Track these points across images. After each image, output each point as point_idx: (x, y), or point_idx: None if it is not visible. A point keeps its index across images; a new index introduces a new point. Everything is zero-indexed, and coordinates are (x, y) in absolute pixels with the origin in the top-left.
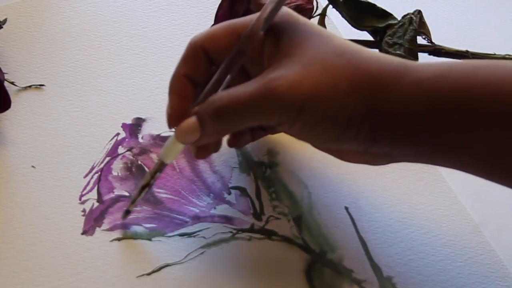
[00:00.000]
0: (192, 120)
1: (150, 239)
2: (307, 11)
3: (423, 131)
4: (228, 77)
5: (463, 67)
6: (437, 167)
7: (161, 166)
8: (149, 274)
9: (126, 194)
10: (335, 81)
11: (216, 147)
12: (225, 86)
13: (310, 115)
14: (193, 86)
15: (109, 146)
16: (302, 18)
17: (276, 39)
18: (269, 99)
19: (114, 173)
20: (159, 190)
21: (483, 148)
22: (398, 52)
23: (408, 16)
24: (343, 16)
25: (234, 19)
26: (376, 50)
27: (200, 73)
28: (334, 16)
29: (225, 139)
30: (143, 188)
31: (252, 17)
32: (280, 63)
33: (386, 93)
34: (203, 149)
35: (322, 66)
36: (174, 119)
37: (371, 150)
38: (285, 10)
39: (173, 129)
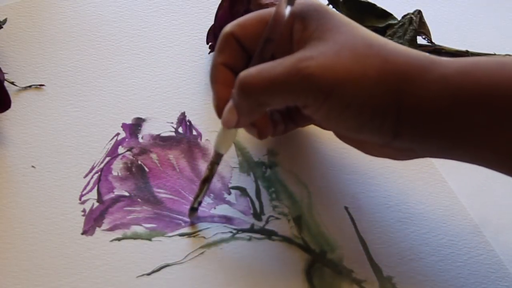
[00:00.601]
0: (229, 103)
1: (150, 239)
2: None
3: (446, 126)
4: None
5: (489, 63)
6: (437, 167)
7: (217, 157)
8: (149, 274)
9: (126, 194)
10: (365, 70)
11: (276, 129)
12: None
13: (337, 100)
14: (233, 74)
15: (109, 146)
16: (332, 9)
17: (305, 25)
18: (298, 79)
19: (114, 173)
20: (159, 190)
21: (506, 143)
22: None
23: (408, 16)
24: None
25: (263, 9)
26: None
27: (236, 60)
28: None
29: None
30: (203, 182)
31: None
32: (310, 45)
33: (411, 87)
34: (261, 130)
35: (353, 53)
36: (220, 108)
37: (393, 143)
38: (314, 0)
39: None
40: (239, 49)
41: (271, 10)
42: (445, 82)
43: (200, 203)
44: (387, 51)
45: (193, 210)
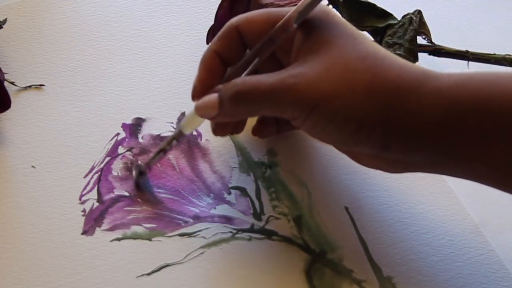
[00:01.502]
0: (213, 96)
1: (150, 239)
2: None
3: (438, 140)
4: (256, 60)
5: (484, 77)
6: None
7: (179, 135)
8: (149, 274)
9: (126, 194)
10: (352, 85)
11: (237, 128)
12: (252, 69)
13: (321, 114)
14: (223, 64)
15: (109, 146)
16: (338, 18)
17: (306, 35)
18: (285, 94)
19: (114, 173)
20: (159, 190)
21: (500, 158)
22: (398, 52)
23: (408, 16)
24: (343, 16)
25: (273, 8)
26: None
27: (231, 52)
28: None
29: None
30: (158, 152)
31: (290, 9)
32: (304, 59)
33: (402, 102)
34: (222, 126)
35: (343, 68)
36: (198, 92)
37: (384, 155)
38: (323, 7)
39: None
40: (238, 43)
41: (281, 10)
42: (438, 95)
43: (150, 169)
44: (381, 66)
45: (141, 173)
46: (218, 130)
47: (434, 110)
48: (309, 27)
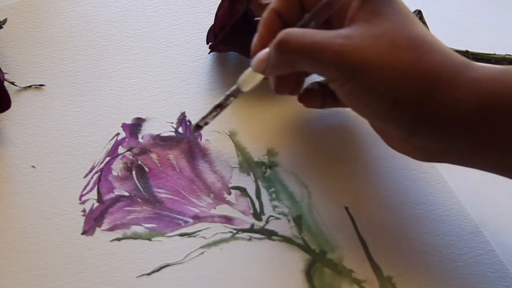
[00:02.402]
0: (265, 50)
1: (150, 239)
2: None
3: (468, 131)
4: (312, 24)
5: None
6: (437, 167)
7: (236, 91)
8: (149, 274)
9: (126, 194)
10: (395, 61)
11: (295, 89)
12: None
13: (360, 83)
14: (282, 24)
15: (109, 146)
16: None
17: (362, 4)
18: (329, 52)
19: (114, 173)
20: (159, 190)
21: None
22: None
23: None
24: None
25: None
26: None
27: (290, 12)
28: None
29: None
30: (216, 107)
31: None
32: (356, 25)
33: (438, 89)
34: (281, 84)
35: (390, 43)
36: (257, 48)
37: (412, 140)
38: None
39: None
40: (297, 5)
41: None
42: (474, 86)
43: (206, 124)
44: (427, 49)
45: (197, 127)
46: (278, 87)
47: (467, 102)
48: None
